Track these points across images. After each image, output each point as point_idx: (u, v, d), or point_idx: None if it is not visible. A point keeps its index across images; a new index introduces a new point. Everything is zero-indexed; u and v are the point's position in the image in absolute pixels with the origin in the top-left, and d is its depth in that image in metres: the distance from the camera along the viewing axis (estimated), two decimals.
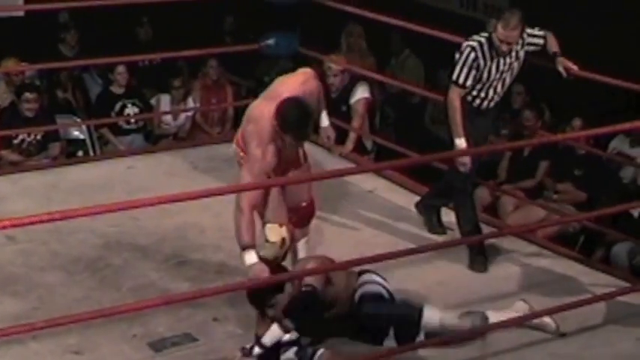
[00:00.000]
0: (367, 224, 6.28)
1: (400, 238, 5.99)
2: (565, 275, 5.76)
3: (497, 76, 5.71)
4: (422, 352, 4.74)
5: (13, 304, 5.17)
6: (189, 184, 6.51)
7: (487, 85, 5.73)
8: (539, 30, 5.84)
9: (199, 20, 10.50)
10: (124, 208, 4.61)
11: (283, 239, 5.02)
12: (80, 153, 8.80)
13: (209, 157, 7.23)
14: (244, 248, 4.67)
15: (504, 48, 5.61)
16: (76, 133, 8.98)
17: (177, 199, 4.42)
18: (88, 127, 8.95)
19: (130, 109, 9.10)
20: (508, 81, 5.81)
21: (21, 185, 6.67)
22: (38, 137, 8.21)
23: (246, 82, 10.30)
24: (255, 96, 5.32)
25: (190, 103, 9.34)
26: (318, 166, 7.03)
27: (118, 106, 9.10)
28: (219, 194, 4.68)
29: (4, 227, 3.74)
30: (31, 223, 3.82)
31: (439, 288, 5.51)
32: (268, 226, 5.03)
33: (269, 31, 7.60)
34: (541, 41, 5.82)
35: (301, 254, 5.33)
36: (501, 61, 5.68)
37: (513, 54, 5.70)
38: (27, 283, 5.40)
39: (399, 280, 5.46)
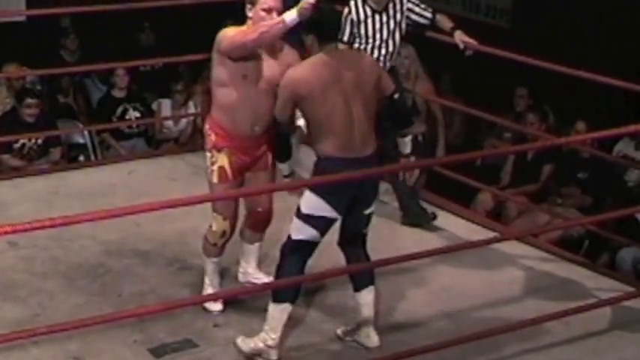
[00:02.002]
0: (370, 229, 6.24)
1: (400, 244, 5.96)
2: (569, 280, 5.75)
3: (378, 35, 6.06)
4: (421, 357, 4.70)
5: (14, 310, 5.15)
6: (190, 189, 6.47)
7: (370, 45, 6.05)
8: (429, 10, 6.21)
9: (200, 25, 10.48)
10: (126, 213, 4.60)
11: (224, 232, 5.12)
12: (81, 158, 8.78)
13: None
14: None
15: (374, 5, 6.03)
16: (77, 138, 8.96)
17: (178, 204, 4.40)
18: (90, 132, 8.94)
19: (132, 114, 9.09)
20: (392, 46, 6.12)
21: (22, 190, 6.65)
22: (39, 142, 8.19)
23: None
24: None
25: (191, 107, 9.31)
26: None
27: (119, 111, 9.08)
28: (221, 199, 4.68)
29: (6, 233, 3.73)
30: (33, 229, 3.80)
31: (443, 293, 5.51)
32: (214, 215, 5.11)
33: None
34: (427, 16, 6.19)
35: (252, 259, 5.39)
36: (377, 18, 6.05)
37: (390, 12, 6.08)
38: (28, 289, 5.38)
39: (402, 286, 5.45)
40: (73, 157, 8.73)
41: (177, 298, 5.21)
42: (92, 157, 8.80)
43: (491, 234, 6.16)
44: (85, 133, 8.94)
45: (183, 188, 6.33)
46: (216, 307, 5.16)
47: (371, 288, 4.92)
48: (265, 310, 4.74)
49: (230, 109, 4.98)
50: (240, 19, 7.17)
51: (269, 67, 4.97)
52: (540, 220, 7.42)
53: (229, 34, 4.99)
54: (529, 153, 7.87)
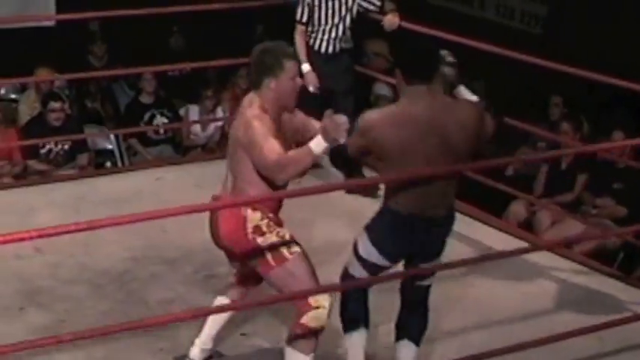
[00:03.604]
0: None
1: None
2: (603, 292, 5.68)
3: (330, 20, 6.71)
4: None
5: (39, 316, 5.13)
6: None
7: (322, 28, 6.72)
8: None
9: (230, 29, 10.46)
10: (151, 218, 4.53)
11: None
12: (108, 164, 8.77)
13: None
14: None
15: None
16: (104, 144, 8.95)
17: (204, 209, 4.35)
18: (117, 138, 8.92)
19: (159, 120, 9.06)
20: (341, 30, 6.75)
21: (49, 196, 6.64)
22: (66, 147, 8.18)
23: None
24: None
25: (220, 113, 9.28)
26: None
27: (147, 116, 9.06)
28: (252, 203, 4.59)
29: (31, 238, 3.68)
30: (58, 234, 3.76)
31: (474, 304, 5.46)
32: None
33: None
34: (376, 3, 6.80)
35: None
36: (329, 3, 6.69)
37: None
38: (54, 295, 5.37)
39: (432, 296, 5.36)
40: (99, 163, 8.72)
41: (203, 306, 5.14)
42: (119, 164, 8.79)
43: (523, 245, 6.09)
44: (112, 138, 8.93)
45: (211, 195, 6.27)
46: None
47: (409, 345, 4.63)
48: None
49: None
50: (269, 24, 7.17)
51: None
52: (574, 231, 7.33)
53: (259, 142, 4.26)
54: (563, 163, 7.78)
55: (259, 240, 4.36)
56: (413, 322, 4.66)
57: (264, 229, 4.36)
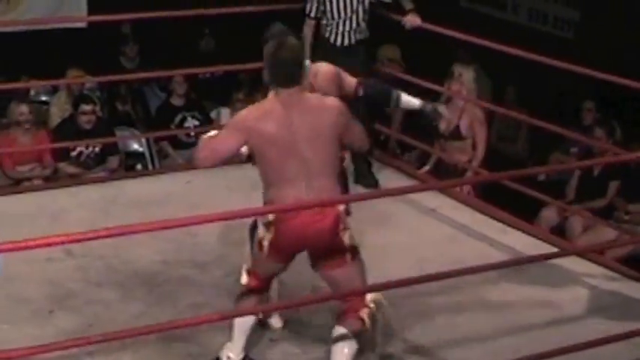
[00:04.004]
0: (429, 242, 6.17)
1: (462, 257, 5.86)
2: (635, 299, 5.61)
3: (342, 13, 6.81)
4: None
5: (69, 319, 5.13)
6: (248, 201, 6.41)
7: (335, 21, 6.83)
8: None
9: (261, 33, 10.44)
10: (183, 225, 4.53)
11: None
12: (139, 166, 8.79)
13: None
14: None
15: None
16: (135, 146, 8.97)
17: (236, 216, 4.34)
18: (147, 140, 8.94)
19: (190, 122, 9.07)
20: (355, 22, 6.85)
21: (79, 198, 6.65)
22: (96, 150, 8.20)
23: None
24: None
25: None
26: (382, 184, 6.97)
27: (177, 119, 9.08)
28: (279, 211, 4.58)
29: (62, 242, 3.70)
30: (89, 239, 3.76)
31: (502, 308, 5.42)
32: None
33: None
34: None
35: None
36: None
37: None
38: (83, 298, 5.36)
39: (460, 300, 5.36)
40: (130, 166, 8.73)
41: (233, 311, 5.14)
42: (149, 166, 8.80)
43: (554, 250, 6.04)
44: (143, 141, 8.94)
45: (242, 199, 6.24)
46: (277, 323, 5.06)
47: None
48: (321, 325, 4.65)
49: None
50: (301, 27, 7.19)
51: None
52: (606, 237, 7.27)
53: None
54: (595, 168, 7.72)
55: (345, 237, 4.42)
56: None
57: (348, 226, 4.45)
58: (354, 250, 4.48)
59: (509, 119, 8.02)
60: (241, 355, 4.70)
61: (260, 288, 4.67)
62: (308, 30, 6.99)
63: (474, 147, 7.60)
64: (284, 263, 4.59)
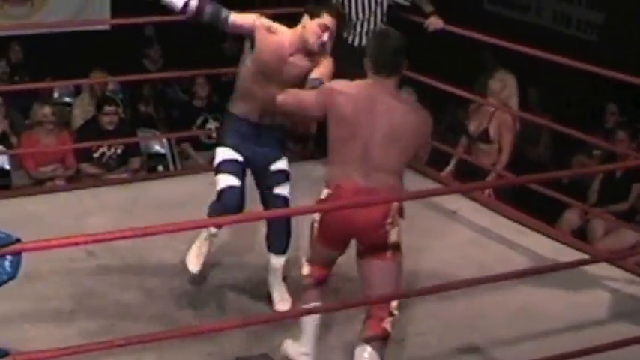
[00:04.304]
0: (450, 245, 6.16)
1: (484, 260, 5.86)
2: None
3: (361, 15, 6.84)
4: None
5: (90, 320, 5.14)
6: None
7: (352, 22, 6.86)
8: None
9: None
10: (204, 226, 4.56)
11: None
12: (160, 168, 8.81)
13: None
14: None
15: None
16: (156, 148, 8.99)
17: (258, 218, 4.35)
18: (169, 142, 8.96)
19: (212, 124, 9.09)
20: (372, 24, 6.87)
21: (101, 199, 6.66)
22: (118, 151, 8.23)
23: None
24: None
25: None
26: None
27: (199, 121, 9.09)
28: (302, 214, 4.59)
29: (85, 242, 3.71)
30: (112, 239, 3.77)
31: (523, 314, 5.41)
32: None
33: None
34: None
35: None
36: None
37: None
38: (105, 299, 5.37)
39: (481, 305, 5.34)
40: (152, 167, 8.75)
41: (254, 312, 5.16)
42: (171, 168, 8.82)
43: (576, 254, 6.01)
44: (165, 142, 8.96)
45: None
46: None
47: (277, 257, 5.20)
48: (342, 325, 4.63)
49: None
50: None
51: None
52: (627, 240, 7.24)
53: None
54: (617, 171, 7.69)
55: (392, 233, 4.38)
56: (278, 237, 5.17)
57: (396, 222, 4.39)
58: (396, 249, 4.41)
59: (532, 122, 7.98)
60: (312, 351, 4.66)
61: (319, 278, 4.64)
62: None
63: (499, 151, 7.60)
64: (333, 249, 4.55)
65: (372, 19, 6.89)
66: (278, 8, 7.26)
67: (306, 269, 4.68)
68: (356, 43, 6.91)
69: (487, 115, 7.63)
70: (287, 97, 4.73)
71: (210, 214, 5.04)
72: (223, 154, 5.13)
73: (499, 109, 7.60)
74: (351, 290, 5.05)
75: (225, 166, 5.09)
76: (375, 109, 4.34)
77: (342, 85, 4.50)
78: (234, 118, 5.20)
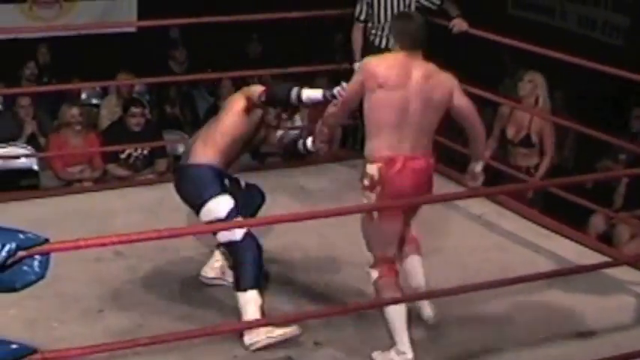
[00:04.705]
0: (475, 249, 6.15)
1: (508, 264, 5.85)
2: None
3: (390, 9, 6.92)
4: None
5: (117, 320, 5.17)
6: (295, 205, 6.46)
7: (381, 24, 6.96)
8: None
9: (309, 37, 10.49)
10: (230, 227, 4.58)
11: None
12: None
13: (316, 177, 7.17)
14: None
15: None
16: (182, 149, 9.00)
17: (283, 221, 4.36)
18: None
19: None
20: None
21: (128, 200, 6.70)
22: (145, 152, 8.26)
23: None
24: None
25: (298, 121, 9.29)
26: None
27: None
28: (325, 216, 4.60)
29: (113, 243, 3.74)
30: (139, 240, 3.80)
31: (548, 317, 5.39)
32: None
33: None
34: (435, 2, 7.03)
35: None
36: (388, 0, 6.93)
37: None
38: (132, 299, 5.40)
39: (506, 309, 5.34)
40: None
41: (279, 314, 5.16)
42: None
43: (601, 258, 5.99)
44: None
45: (287, 204, 6.30)
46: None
47: None
48: (366, 328, 4.64)
49: None
50: (348, 33, 7.23)
51: None
52: None
53: None
54: None
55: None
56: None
57: None
58: None
59: (556, 125, 7.94)
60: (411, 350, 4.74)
61: (389, 273, 4.77)
62: (357, 33, 7.12)
63: (540, 154, 7.57)
64: (397, 222, 4.76)
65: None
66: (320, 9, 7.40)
67: (375, 273, 4.79)
68: (382, 44, 6.95)
69: (526, 120, 7.59)
70: (330, 108, 5.00)
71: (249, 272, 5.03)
72: None
73: (536, 115, 7.54)
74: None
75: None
76: (411, 75, 4.69)
77: (376, 59, 4.87)
78: None
